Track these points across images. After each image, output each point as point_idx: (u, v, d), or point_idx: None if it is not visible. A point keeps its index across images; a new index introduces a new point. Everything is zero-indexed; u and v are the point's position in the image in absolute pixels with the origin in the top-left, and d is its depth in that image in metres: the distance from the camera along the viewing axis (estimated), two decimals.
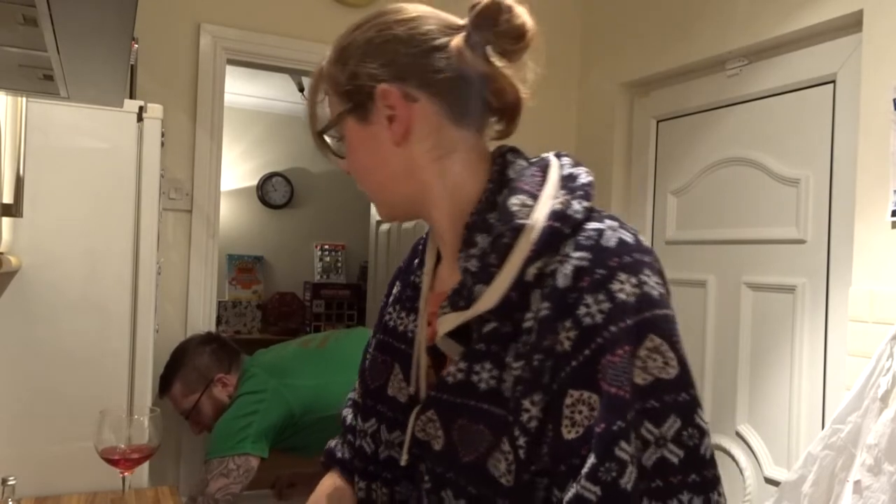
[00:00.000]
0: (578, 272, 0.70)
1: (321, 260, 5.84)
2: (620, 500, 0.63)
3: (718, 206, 2.35)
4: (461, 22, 0.78)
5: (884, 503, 1.47)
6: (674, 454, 0.65)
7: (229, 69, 2.45)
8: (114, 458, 1.46)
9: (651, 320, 0.68)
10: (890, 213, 1.75)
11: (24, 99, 1.48)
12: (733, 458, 2.22)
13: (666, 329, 0.68)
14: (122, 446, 1.47)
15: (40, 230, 1.69)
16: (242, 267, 5.67)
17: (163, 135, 1.83)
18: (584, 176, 0.78)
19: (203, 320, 2.38)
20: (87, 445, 1.49)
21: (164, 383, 2.02)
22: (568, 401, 0.68)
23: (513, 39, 0.76)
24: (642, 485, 0.64)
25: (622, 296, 0.68)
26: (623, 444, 0.64)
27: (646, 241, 0.74)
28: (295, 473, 2.24)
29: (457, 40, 0.76)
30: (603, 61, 2.82)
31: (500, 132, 0.84)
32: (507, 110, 0.81)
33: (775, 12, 2.11)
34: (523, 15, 0.76)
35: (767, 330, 2.16)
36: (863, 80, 1.85)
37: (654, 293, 0.69)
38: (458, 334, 0.77)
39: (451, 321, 0.76)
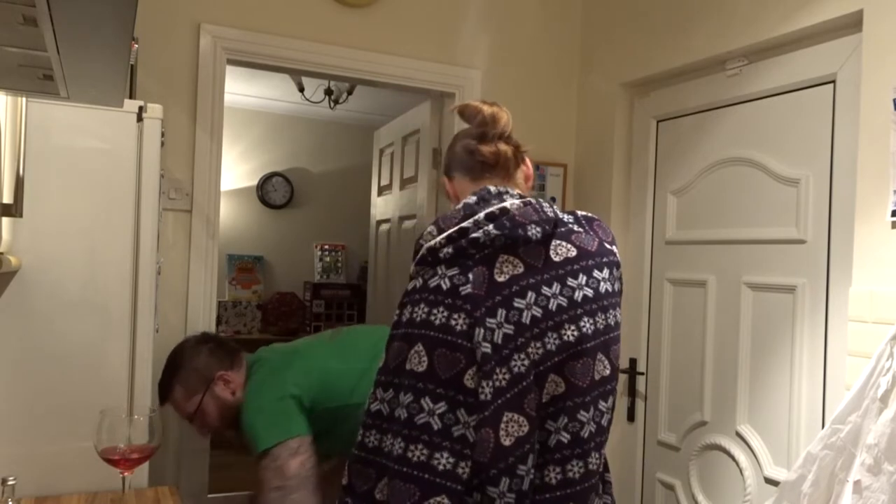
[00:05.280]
0: None
1: (321, 260, 5.84)
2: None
3: (718, 206, 2.35)
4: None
5: (884, 503, 1.47)
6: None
7: (229, 69, 2.45)
8: (114, 458, 1.47)
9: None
10: (890, 213, 1.75)
11: (24, 99, 1.48)
12: (733, 458, 2.22)
13: None
14: (122, 446, 1.47)
15: (40, 230, 1.69)
16: (242, 267, 5.67)
17: (163, 135, 1.83)
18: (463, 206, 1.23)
19: (203, 320, 2.37)
20: (87, 445, 1.49)
21: (164, 390, 1.93)
22: None
23: (480, 125, 1.31)
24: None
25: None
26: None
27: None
28: None
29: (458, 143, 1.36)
30: (603, 61, 2.82)
31: (503, 177, 1.32)
32: (500, 163, 1.32)
33: (775, 12, 2.11)
34: (481, 105, 1.32)
35: (767, 330, 2.16)
36: (863, 80, 1.86)
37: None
38: None
39: None
